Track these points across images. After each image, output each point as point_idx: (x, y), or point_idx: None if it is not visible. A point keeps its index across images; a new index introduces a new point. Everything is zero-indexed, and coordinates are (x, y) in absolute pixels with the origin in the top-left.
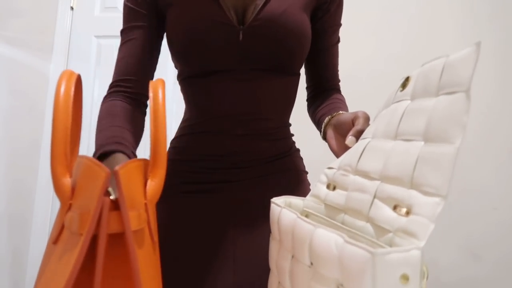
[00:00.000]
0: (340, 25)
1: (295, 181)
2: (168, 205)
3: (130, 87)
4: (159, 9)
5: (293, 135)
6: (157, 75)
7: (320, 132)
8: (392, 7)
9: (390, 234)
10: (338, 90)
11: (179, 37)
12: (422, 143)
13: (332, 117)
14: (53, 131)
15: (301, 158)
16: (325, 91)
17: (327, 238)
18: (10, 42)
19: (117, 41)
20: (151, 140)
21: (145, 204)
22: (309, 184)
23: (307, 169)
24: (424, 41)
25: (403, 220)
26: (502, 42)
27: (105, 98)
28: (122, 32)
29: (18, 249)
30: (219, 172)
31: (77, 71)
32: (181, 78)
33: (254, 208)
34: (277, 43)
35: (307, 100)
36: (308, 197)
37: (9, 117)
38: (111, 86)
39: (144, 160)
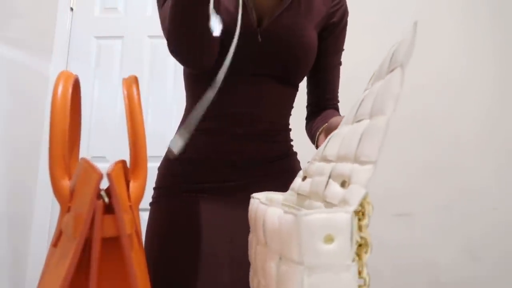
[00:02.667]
0: (342, 49)
1: (291, 183)
2: (167, 205)
3: None
4: None
5: (292, 140)
6: (156, 75)
7: (314, 142)
8: (392, 8)
9: (336, 208)
10: (336, 110)
11: None
12: (368, 120)
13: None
14: (51, 133)
15: (298, 161)
16: (323, 110)
17: (274, 213)
18: (10, 43)
19: (117, 42)
20: (129, 140)
21: (130, 206)
22: None
23: None
24: (424, 42)
25: (344, 192)
26: (502, 43)
27: None
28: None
29: (18, 250)
30: (217, 171)
31: (77, 72)
32: (189, 74)
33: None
34: (288, 50)
35: (306, 119)
36: (288, 191)
37: (9, 118)
38: None
39: (123, 161)
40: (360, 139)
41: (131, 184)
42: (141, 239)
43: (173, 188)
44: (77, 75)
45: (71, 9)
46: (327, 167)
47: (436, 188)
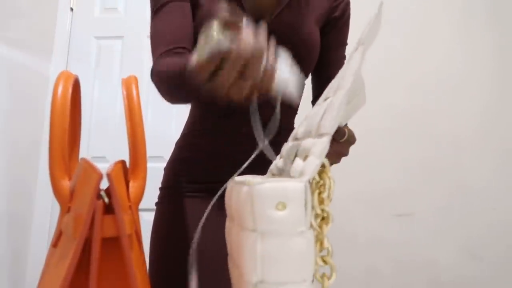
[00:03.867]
0: (346, 43)
1: None
2: (170, 205)
3: (186, 53)
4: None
5: None
6: None
7: None
8: (391, 8)
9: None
10: None
11: (198, 30)
12: (332, 97)
13: None
14: (51, 133)
15: None
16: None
17: (238, 189)
18: (10, 43)
19: (117, 42)
20: (129, 141)
21: (130, 206)
22: None
23: None
24: (422, 40)
25: (303, 164)
26: (500, 41)
27: (162, 57)
28: (164, 3)
29: (18, 249)
30: (222, 171)
31: (77, 72)
32: None
33: None
34: (289, 49)
35: None
36: (267, 173)
37: (9, 118)
38: (166, 51)
39: (122, 161)
40: (322, 115)
41: (131, 184)
42: (141, 239)
43: (178, 189)
44: (77, 75)
45: (71, 9)
46: (294, 145)
47: (436, 187)
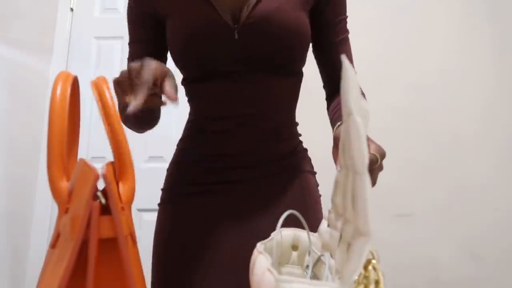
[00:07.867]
0: (345, 16)
1: (300, 182)
2: (172, 206)
3: None
4: (158, 20)
5: (300, 134)
6: None
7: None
8: (390, 6)
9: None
10: None
11: (177, 42)
12: (351, 174)
13: (337, 128)
14: (49, 134)
15: (309, 158)
16: (339, 90)
17: (261, 264)
18: (10, 43)
19: (117, 42)
20: (110, 143)
21: (122, 207)
22: (317, 185)
23: (316, 169)
24: (421, 39)
25: (345, 260)
26: (500, 39)
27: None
28: (128, 45)
29: (18, 248)
30: (223, 172)
31: (77, 72)
32: (184, 83)
33: (258, 209)
34: (272, 40)
35: (325, 99)
36: (316, 233)
37: (9, 118)
38: None
39: (112, 162)
40: (352, 201)
41: (121, 186)
42: (136, 240)
43: (179, 190)
44: (76, 75)
45: (71, 9)
46: (339, 222)
47: (435, 187)
